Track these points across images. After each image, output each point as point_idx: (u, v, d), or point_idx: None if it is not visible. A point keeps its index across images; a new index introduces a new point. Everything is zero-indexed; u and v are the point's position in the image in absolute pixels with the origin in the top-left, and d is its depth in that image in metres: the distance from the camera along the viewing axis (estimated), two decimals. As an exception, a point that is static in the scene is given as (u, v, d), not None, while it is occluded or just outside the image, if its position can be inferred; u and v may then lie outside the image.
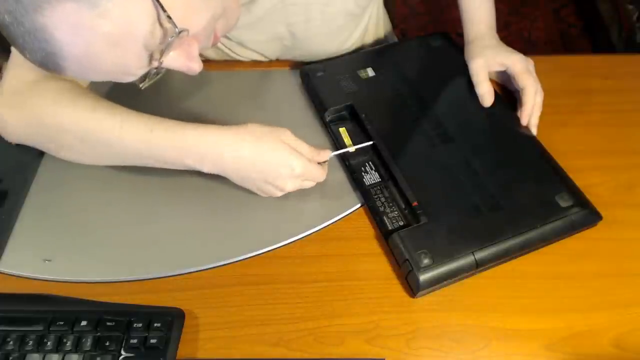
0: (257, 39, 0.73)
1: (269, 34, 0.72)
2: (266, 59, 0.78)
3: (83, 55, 0.44)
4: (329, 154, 0.60)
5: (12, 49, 0.59)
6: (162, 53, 0.47)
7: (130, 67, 0.47)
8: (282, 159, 0.55)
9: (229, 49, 0.75)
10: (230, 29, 0.57)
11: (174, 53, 0.48)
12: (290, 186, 0.57)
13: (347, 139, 0.65)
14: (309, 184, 0.59)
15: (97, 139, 0.56)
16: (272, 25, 0.71)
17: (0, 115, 0.59)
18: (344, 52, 0.80)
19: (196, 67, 0.50)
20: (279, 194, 0.58)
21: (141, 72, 0.48)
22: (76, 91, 0.58)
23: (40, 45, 0.43)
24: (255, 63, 0.78)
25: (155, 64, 0.48)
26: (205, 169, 0.56)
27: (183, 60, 0.49)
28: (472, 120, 0.66)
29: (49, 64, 0.45)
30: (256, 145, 0.54)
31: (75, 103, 0.56)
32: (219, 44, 0.74)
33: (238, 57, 0.77)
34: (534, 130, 0.66)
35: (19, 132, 0.60)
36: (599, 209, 0.57)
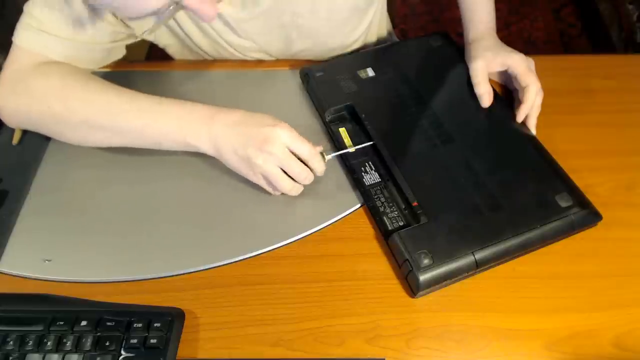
0: (263, 32, 0.73)
1: (275, 24, 0.72)
2: (269, 57, 0.78)
3: None
4: (320, 149, 0.59)
5: (12, 45, 0.59)
6: None
7: None
8: (269, 118, 0.57)
9: (232, 47, 0.75)
10: None
11: None
12: (278, 149, 0.55)
13: (347, 139, 0.65)
14: (298, 168, 0.57)
15: (106, 116, 0.58)
16: (278, 14, 0.70)
17: (1, 101, 0.59)
18: (346, 48, 0.80)
19: (212, 12, 0.51)
20: (267, 164, 0.56)
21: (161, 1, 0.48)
22: (84, 74, 0.60)
23: None
24: (255, 63, 0.78)
25: None
26: (203, 141, 0.57)
27: (202, 1, 0.50)
28: (472, 121, 0.66)
29: None
30: (247, 112, 0.58)
31: (86, 84, 0.59)
32: (223, 44, 0.74)
33: (241, 57, 0.77)
34: (533, 131, 0.66)
35: (20, 116, 0.60)
36: (599, 209, 0.57)
